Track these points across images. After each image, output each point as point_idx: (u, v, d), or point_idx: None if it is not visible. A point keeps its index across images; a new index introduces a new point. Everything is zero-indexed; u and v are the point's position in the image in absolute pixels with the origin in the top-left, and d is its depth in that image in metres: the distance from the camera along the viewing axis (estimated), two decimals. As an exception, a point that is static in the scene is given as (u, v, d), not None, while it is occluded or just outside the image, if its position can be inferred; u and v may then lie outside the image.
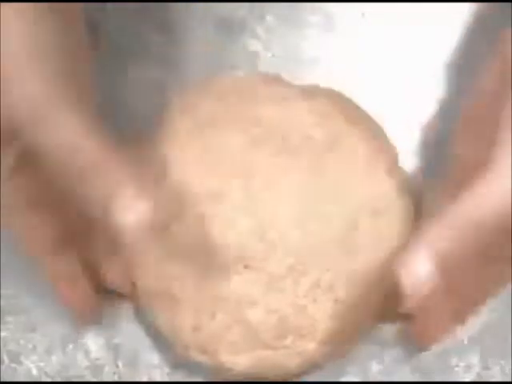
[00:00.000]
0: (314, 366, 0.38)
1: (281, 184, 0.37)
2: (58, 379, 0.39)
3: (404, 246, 0.31)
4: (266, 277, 0.36)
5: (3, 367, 0.39)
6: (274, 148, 0.38)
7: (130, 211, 0.28)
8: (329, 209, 0.37)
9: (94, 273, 0.38)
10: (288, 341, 0.36)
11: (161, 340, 0.39)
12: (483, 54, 0.36)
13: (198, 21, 0.45)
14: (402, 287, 0.29)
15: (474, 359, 0.39)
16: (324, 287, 0.36)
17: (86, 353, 0.39)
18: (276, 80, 0.41)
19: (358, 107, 0.41)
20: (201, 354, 0.37)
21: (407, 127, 0.43)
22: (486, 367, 0.39)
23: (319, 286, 0.36)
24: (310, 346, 0.36)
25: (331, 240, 0.37)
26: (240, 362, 0.36)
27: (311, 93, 0.41)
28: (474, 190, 0.30)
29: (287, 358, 0.36)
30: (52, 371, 0.39)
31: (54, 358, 0.39)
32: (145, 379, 0.39)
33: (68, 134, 0.29)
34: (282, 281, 0.36)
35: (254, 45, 0.45)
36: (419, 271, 0.29)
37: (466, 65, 0.44)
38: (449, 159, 0.37)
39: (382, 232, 0.37)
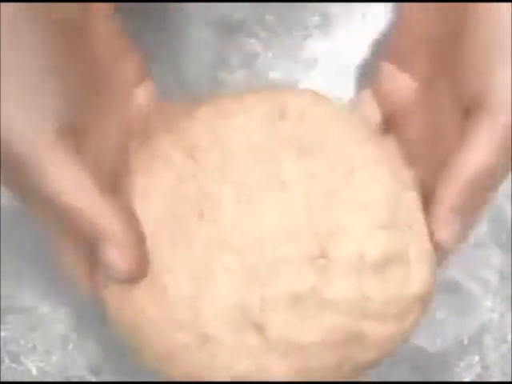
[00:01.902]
0: None
1: None
2: (58, 379, 0.39)
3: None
4: None
5: (3, 367, 0.39)
6: None
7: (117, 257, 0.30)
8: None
9: None
10: None
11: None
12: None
13: (197, 21, 0.45)
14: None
15: (474, 359, 0.39)
16: None
17: (86, 353, 0.39)
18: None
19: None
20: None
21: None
22: (485, 367, 0.39)
23: None
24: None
25: None
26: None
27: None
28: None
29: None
30: (52, 371, 0.39)
31: (53, 358, 0.39)
32: (145, 379, 0.39)
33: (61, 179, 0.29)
34: None
35: (254, 45, 0.45)
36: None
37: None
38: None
39: None
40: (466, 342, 0.39)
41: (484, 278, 0.40)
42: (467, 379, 0.39)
